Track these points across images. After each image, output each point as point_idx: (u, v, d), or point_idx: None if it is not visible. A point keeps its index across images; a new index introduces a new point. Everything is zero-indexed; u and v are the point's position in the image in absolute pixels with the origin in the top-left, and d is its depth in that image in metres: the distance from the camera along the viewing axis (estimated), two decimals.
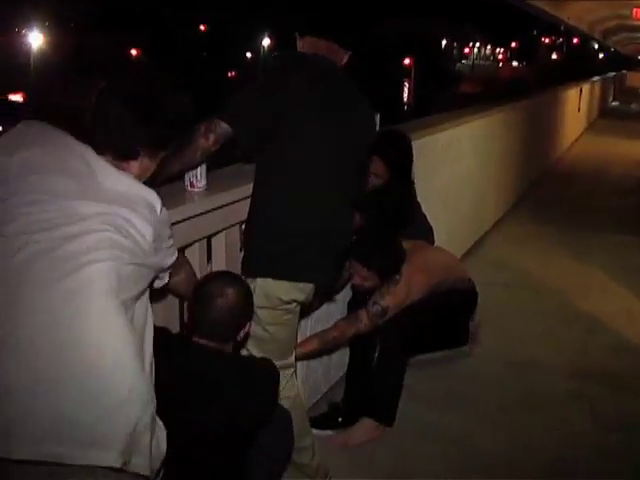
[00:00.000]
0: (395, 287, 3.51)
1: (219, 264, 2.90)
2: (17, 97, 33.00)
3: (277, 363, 2.74)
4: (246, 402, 2.24)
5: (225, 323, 2.31)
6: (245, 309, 2.37)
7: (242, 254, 2.85)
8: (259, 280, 2.66)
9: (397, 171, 3.62)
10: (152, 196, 1.84)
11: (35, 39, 35.99)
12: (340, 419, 3.71)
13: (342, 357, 4.00)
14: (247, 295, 2.39)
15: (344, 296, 4.00)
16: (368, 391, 3.67)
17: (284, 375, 2.83)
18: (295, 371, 3.00)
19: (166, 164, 2.28)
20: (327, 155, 2.66)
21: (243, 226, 2.95)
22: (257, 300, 2.57)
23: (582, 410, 4.02)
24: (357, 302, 3.72)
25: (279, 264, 2.66)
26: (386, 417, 3.64)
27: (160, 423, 1.80)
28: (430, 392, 4.12)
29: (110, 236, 1.69)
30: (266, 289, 2.66)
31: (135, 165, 1.89)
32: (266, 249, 2.67)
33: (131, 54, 43.81)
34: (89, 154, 1.79)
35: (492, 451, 3.58)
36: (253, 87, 2.61)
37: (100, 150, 1.81)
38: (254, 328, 2.57)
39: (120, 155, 1.85)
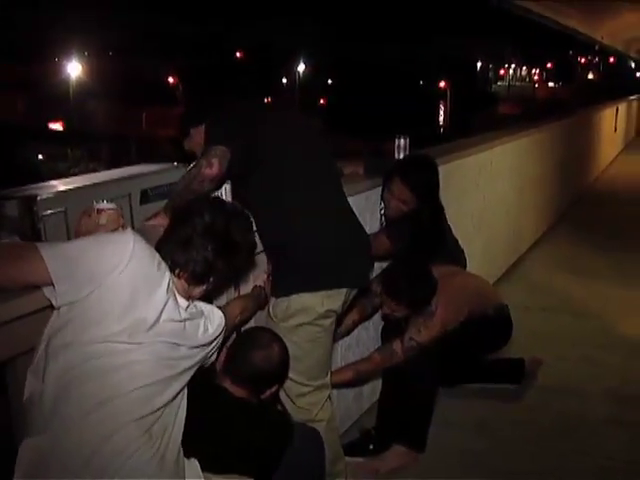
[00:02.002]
0: (431, 322, 3.46)
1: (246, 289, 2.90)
2: (57, 126, 33.66)
3: (311, 384, 2.80)
4: (247, 451, 2.33)
5: (261, 374, 2.44)
6: (281, 370, 2.53)
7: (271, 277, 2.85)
8: (294, 296, 2.68)
9: (423, 197, 3.58)
10: (201, 325, 2.05)
11: (74, 68, 36.59)
12: (371, 446, 3.66)
13: (374, 383, 3.97)
14: (287, 358, 2.54)
15: (375, 324, 3.98)
16: (399, 417, 3.62)
17: (318, 398, 2.86)
18: (330, 395, 2.97)
19: (177, 200, 2.55)
20: (302, 157, 2.77)
21: None
22: (293, 319, 2.67)
23: (620, 436, 3.92)
24: (390, 330, 3.69)
25: (309, 277, 2.68)
26: (416, 443, 3.60)
27: None
28: (463, 419, 4.06)
29: (152, 367, 1.87)
30: (303, 304, 2.68)
31: (201, 289, 2.10)
32: (292, 266, 2.69)
33: (168, 81, 44.43)
34: (169, 284, 1.96)
35: (526, 478, 3.51)
36: (223, 118, 2.74)
37: (178, 272, 2.02)
38: (289, 348, 2.60)
39: (194, 280, 2.05)
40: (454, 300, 3.58)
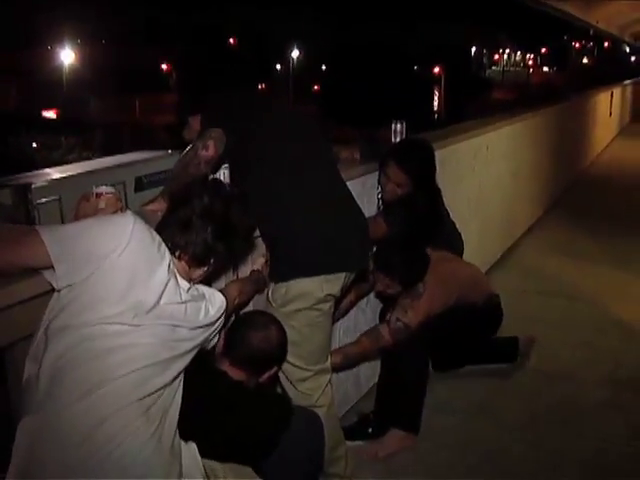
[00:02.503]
0: (418, 303, 3.48)
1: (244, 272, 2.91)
2: (50, 114, 33.51)
3: (312, 368, 2.81)
4: (246, 435, 2.34)
5: (259, 354, 2.45)
6: (280, 351, 2.54)
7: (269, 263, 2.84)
8: (292, 282, 2.68)
9: (418, 180, 3.59)
10: (202, 308, 2.05)
11: (67, 56, 36.41)
12: (370, 430, 3.68)
13: (373, 367, 3.98)
14: (285, 340, 2.55)
15: (373, 306, 3.99)
16: (394, 401, 3.65)
17: (319, 383, 2.87)
18: (330, 380, 2.98)
19: (174, 184, 2.54)
20: (297, 143, 2.78)
21: None
22: (292, 304, 2.68)
23: (616, 420, 3.94)
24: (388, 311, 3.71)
25: (308, 262, 2.68)
26: (410, 424, 3.63)
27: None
28: (461, 403, 4.08)
29: (152, 350, 1.87)
30: (301, 289, 2.68)
31: (202, 271, 2.11)
32: (291, 252, 2.68)
33: (162, 68, 44.25)
34: (170, 265, 1.96)
35: (523, 462, 3.54)
36: (219, 106, 2.77)
37: (178, 254, 2.02)
38: (289, 333, 2.62)
39: (195, 262, 2.06)
40: (443, 285, 3.60)
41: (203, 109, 2.77)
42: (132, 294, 1.85)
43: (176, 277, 1.98)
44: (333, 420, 2.96)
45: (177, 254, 2.02)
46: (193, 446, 2.10)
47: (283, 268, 2.71)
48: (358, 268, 2.95)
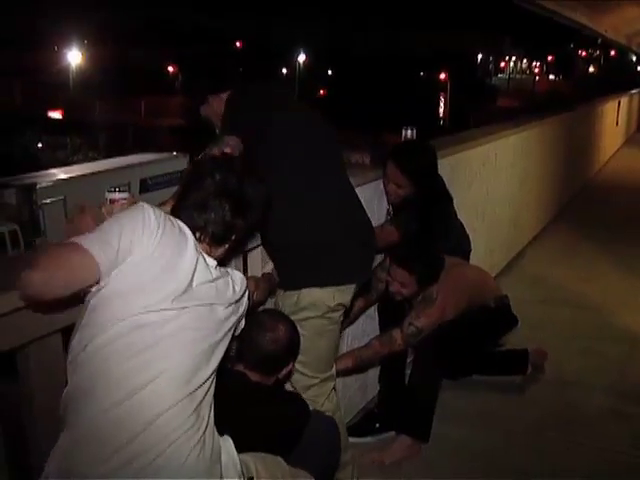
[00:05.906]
0: (430, 309, 3.47)
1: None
2: (56, 114, 33.61)
3: (318, 376, 2.80)
4: (268, 434, 2.31)
5: (271, 356, 2.44)
6: (292, 347, 2.51)
7: (276, 270, 2.82)
8: (304, 291, 2.66)
9: (416, 180, 3.58)
10: (229, 283, 2.03)
11: (74, 57, 36.53)
12: (377, 425, 3.68)
13: (378, 373, 3.96)
14: (295, 335, 2.52)
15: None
16: (403, 408, 3.64)
17: (324, 390, 2.86)
18: (335, 385, 2.97)
19: None
20: (307, 152, 2.70)
21: None
22: (302, 313, 2.66)
23: (620, 429, 3.93)
24: (388, 310, 3.76)
25: (321, 272, 2.66)
26: (421, 434, 3.60)
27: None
28: (467, 411, 4.07)
29: (192, 335, 1.86)
30: (313, 298, 2.67)
31: (224, 248, 2.09)
32: (302, 261, 2.66)
33: (168, 70, 44.34)
34: (195, 245, 1.95)
35: (527, 471, 3.52)
36: (232, 107, 2.67)
37: (199, 235, 2.00)
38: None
39: (216, 241, 2.04)
40: (455, 290, 3.59)
41: (225, 89, 2.71)
42: (166, 280, 1.83)
43: (203, 256, 1.96)
44: (339, 425, 2.95)
45: (197, 236, 1.99)
46: (229, 441, 2.05)
47: (295, 276, 2.69)
48: (365, 280, 2.94)
